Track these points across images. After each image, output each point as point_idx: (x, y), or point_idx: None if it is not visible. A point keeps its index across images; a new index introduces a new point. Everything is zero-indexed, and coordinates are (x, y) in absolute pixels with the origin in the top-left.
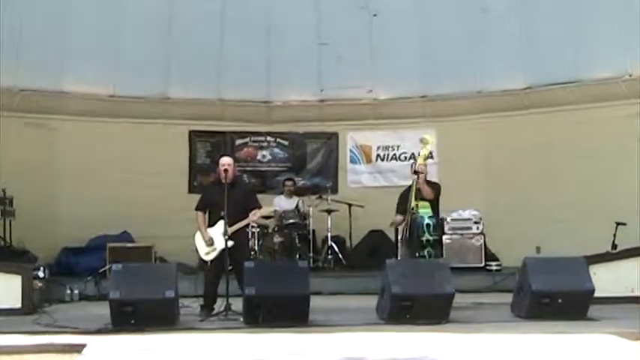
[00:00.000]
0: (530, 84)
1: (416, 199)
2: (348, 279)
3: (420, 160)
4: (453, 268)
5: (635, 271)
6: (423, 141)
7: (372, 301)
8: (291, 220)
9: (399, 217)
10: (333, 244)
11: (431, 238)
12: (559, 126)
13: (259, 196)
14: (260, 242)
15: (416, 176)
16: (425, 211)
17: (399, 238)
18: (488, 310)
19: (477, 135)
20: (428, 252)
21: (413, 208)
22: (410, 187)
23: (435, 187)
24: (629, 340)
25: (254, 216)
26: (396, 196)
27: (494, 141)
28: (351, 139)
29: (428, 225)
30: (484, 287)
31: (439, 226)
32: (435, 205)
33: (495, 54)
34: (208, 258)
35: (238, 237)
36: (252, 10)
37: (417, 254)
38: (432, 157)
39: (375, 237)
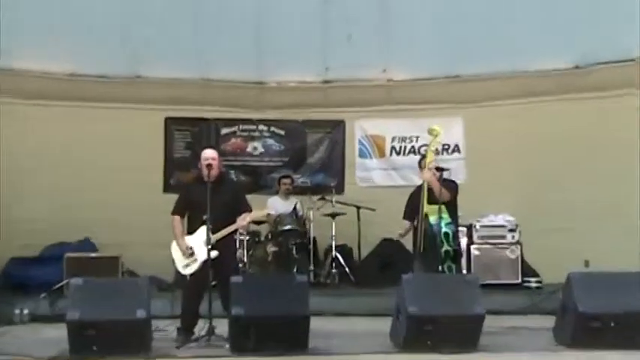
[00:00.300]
0: (577, 62)
1: (428, 202)
2: (356, 297)
3: (430, 156)
4: (483, 285)
5: None
6: (432, 132)
7: (385, 324)
8: (287, 226)
9: (407, 225)
10: (338, 255)
11: (451, 249)
12: (615, 113)
13: (250, 197)
14: (250, 252)
15: (441, 174)
16: (439, 216)
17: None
18: (526, 336)
19: (512, 123)
20: (448, 266)
21: (426, 215)
22: (419, 187)
23: (452, 187)
24: None
25: (243, 221)
26: None
27: (534, 131)
28: (361, 128)
29: (446, 234)
30: (521, 308)
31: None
32: (452, 208)
33: (535, 26)
34: (188, 271)
35: (224, 246)
36: None
37: (434, 270)
38: (438, 153)
39: (389, 247)
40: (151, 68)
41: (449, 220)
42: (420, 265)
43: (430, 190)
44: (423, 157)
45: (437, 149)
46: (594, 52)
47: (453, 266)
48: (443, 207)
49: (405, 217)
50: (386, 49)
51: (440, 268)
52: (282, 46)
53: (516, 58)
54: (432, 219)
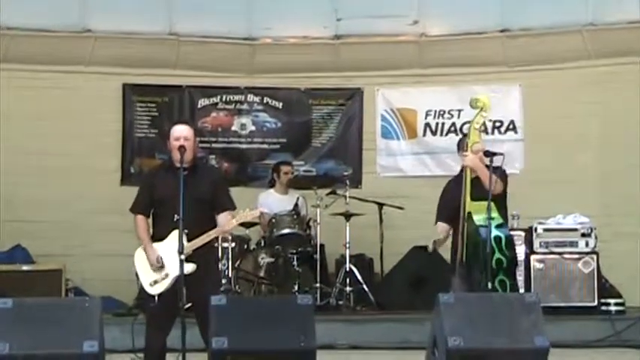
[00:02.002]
0: None
1: (472, 198)
2: (378, 324)
3: (473, 136)
4: (547, 309)
5: None
6: (476, 104)
7: None
8: (286, 230)
9: (444, 229)
10: (354, 269)
11: (504, 258)
12: None
13: (235, 191)
14: (237, 265)
15: (491, 160)
16: (491, 216)
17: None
18: None
19: (589, 93)
20: (500, 281)
21: (469, 214)
22: (459, 177)
23: (502, 177)
24: None
25: (227, 224)
26: None
27: (620, 103)
28: (384, 99)
29: (498, 238)
30: (598, 339)
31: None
32: (502, 205)
33: None
34: (155, 290)
35: (202, 257)
36: None
37: (481, 286)
38: (486, 132)
39: (422, 257)
40: (105, 20)
41: (501, 220)
42: (461, 281)
43: (474, 181)
44: (465, 136)
45: (483, 126)
46: None
47: (507, 282)
48: (492, 203)
49: (438, 220)
50: None
51: (489, 284)
52: None
53: (597, 5)
54: (478, 219)
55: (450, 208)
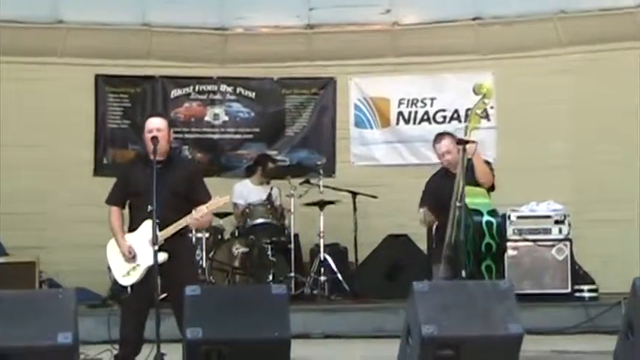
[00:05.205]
0: None
1: (468, 183)
2: (352, 313)
3: (474, 121)
4: (520, 296)
5: None
6: (480, 90)
7: (391, 349)
8: (260, 220)
9: (427, 214)
10: (328, 258)
11: (494, 244)
12: None
13: (210, 182)
14: (211, 255)
15: (463, 148)
16: (481, 201)
17: (433, 245)
18: None
19: (562, 81)
20: (487, 266)
21: (459, 198)
22: (442, 170)
23: (491, 168)
24: None
25: (200, 214)
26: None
27: (592, 91)
28: (357, 88)
29: (489, 223)
30: (571, 326)
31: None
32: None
33: None
34: (128, 281)
35: (176, 247)
36: None
37: (467, 271)
38: (487, 118)
39: (396, 246)
40: (77, 10)
41: (491, 206)
42: (447, 266)
43: (470, 166)
44: (440, 134)
45: (484, 112)
46: None
47: (494, 267)
48: (483, 190)
49: (422, 206)
50: None
51: (476, 268)
52: None
53: None
54: (473, 202)
55: (434, 197)
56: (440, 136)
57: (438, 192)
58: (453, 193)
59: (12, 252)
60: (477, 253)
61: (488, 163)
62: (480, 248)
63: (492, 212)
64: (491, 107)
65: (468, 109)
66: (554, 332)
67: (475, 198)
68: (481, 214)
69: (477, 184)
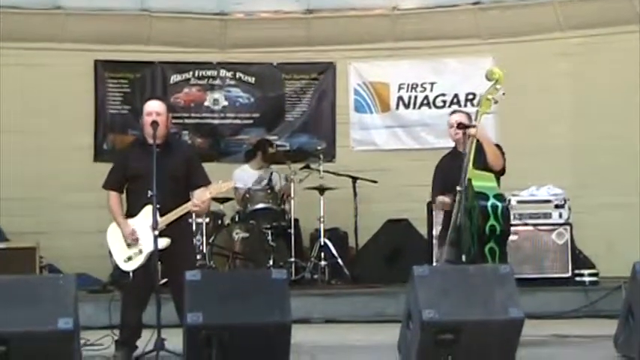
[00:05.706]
0: None
1: (475, 167)
2: (352, 298)
3: (484, 107)
4: (521, 280)
5: None
6: (491, 76)
7: (391, 334)
8: (260, 205)
9: (444, 199)
10: (328, 243)
11: (498, 226)
12: None
13: (209, 167)
14: (211, 240)
15: (464, 132)
16: (487, 185)
17: (439, 231)
18: (579, 348)
19: (563, 65)
20: (490, 249)
21: (469, 181)
22: (453, 151)
23: (502, 154)
24: None
25: (199, 199)
26: (431, 164)
27: (590, 75)
28: (357, 73)
29: (495, 206)
30: (571, 310)
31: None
32: (498, 180)
33: None
34: (129, 267)
35: (176, 232)
36: None
37: (470, 254)
38: (496, 102)
39: (397, 230)
40: None
41: (498, 190)
42: (451, 248)
43: (478, 149)
44: (454, 112)
45: (495, 99)
46: None
47: (497, 250)
48: (490, 174)
49: (435, 194)
50: None
51: (479, 251)
52: None
53: None
54: (478, 186)
55: (443, 182)
56: (454, 111)
57: (447, 175)
58: (462, 177)
59: (12, 237)
60: (480, 235)
61: (498, 146)
62: (483, 231)
63: (498, 196)
64: (503, 94)
65: (468, 94)
66: (555, 316)
67: (482, 181)
68: (487, 197)
69: (488, 168)
